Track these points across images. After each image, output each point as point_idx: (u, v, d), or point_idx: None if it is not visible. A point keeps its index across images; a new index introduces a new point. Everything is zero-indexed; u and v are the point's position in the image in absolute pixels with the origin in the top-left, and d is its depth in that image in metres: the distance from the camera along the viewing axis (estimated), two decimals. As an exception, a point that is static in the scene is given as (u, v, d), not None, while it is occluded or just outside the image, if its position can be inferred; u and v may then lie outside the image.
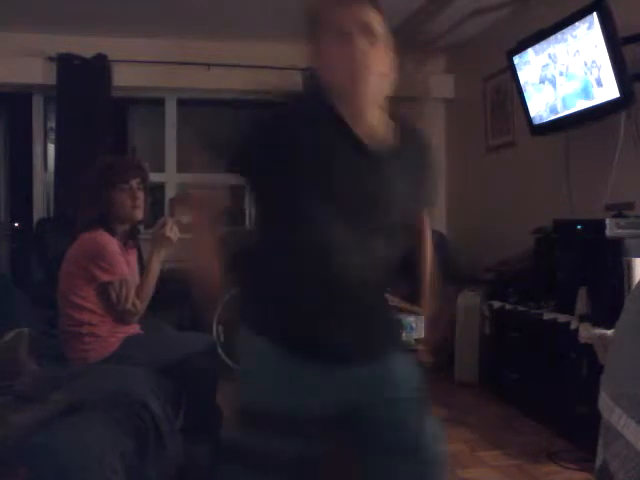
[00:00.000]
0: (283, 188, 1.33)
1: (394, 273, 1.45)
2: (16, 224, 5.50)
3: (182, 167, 5.04)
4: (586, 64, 3.06)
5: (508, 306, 3.53)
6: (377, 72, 1.31)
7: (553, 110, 3.41)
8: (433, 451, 1.39)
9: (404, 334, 2.38)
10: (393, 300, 2.72)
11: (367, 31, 1.29)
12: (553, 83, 3.36)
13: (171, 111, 4.95)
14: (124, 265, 2.47)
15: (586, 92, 3.11)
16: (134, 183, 2.54)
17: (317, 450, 1.33)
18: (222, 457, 1.38)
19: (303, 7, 1.36)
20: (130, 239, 2.62)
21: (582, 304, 2.88)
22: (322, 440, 1.34)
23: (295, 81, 4.67)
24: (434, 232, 5.50)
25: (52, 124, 4.84)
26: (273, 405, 1.31)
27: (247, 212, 5.16)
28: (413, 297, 1.58)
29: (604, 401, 0.92)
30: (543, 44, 3.36)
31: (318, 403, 1.33)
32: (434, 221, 1.60)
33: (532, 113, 3.58)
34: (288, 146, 1.32)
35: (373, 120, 1.35)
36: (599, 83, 3.00)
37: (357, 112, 1.34)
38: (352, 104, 1.33)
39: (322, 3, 1.35)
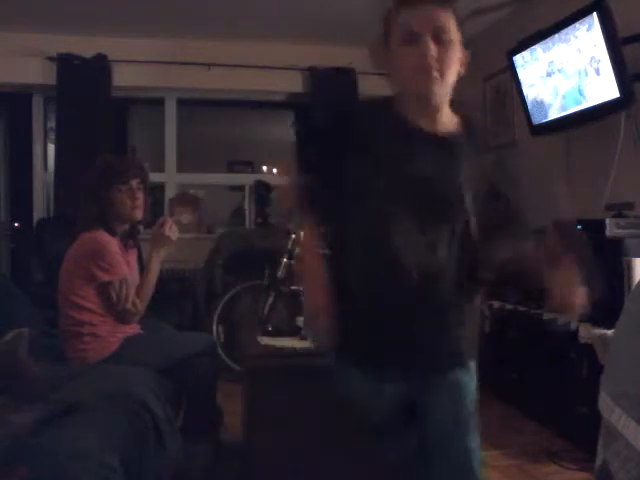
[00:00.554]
0: (354, 198, 1.34)
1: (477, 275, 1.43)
2: (16, 224, 5.50)
3: (182, 167, 5.04)
4: (586, 64, 3.05)
5: (508, 306, 3.53)
6: (449, 74, 1.32)
7: (553, 110, 3.41)
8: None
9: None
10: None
11: (439, 34, 1.29)
12: (553, 83, 3.36)
13: (171, 111, 4.95)
14: (124, 265, 2.47)
15: (585, 92, 3.11)
16: (134, 183, 2.54)
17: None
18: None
19: (379, 13, 1.38)
20: (130, 239, 2.62)
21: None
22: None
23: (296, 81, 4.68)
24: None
25: (52, 124, 4.84)
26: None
27: (247, 212, 5.17)
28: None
29: (604, 401, 0.92)
30: (543, 44, 3.36)
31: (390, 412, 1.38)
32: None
33: (532, 113, 3.58)
34: (347, 147, 1.34)
35: (445, 118, 1.37)
36: (598, 83, 3.00)
37: (430, 113, 1.35)
38: (425, 106, 1.34)
39: (394, 7, 1.35)
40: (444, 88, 1.32)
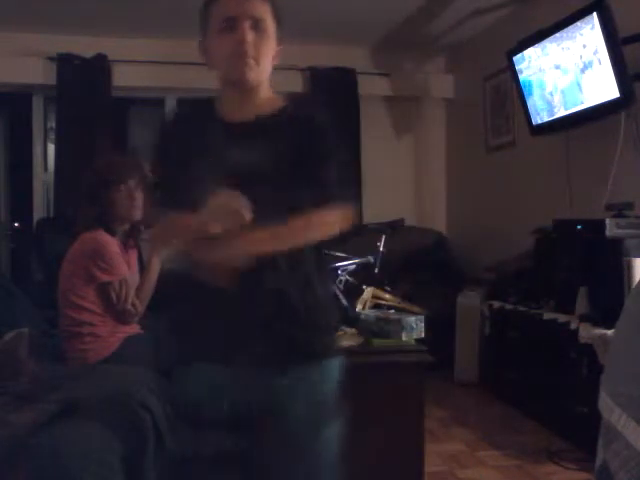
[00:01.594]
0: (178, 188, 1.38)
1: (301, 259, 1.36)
2: (16, 224, 5.50)
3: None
4: (586, 64, 3.06)
5: (508, 306, 3.53)
6: (264, 61, 1.36)
7: (552, 110, 3.41)
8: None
9: (404, 334, 2.38)
10: (392, 300, 2.72)
11: (256, 22, 1.34)
12: (552, 82, 3.36)
13: (171, 111, 4.94)
14: (124, 265, 2.47)
15: (585, 92, 3.11)
16: (132, 183, 2.54)
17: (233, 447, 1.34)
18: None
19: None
20: (130, 239, 2.62)
21: (582, 304, 2.88)
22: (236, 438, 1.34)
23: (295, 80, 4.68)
24: (434, 232, 5.49)
25: (52, 124, 4.84)
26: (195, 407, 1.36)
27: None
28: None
29: (604, 401, 0.92)
30: (543, 44, 3.36)
31: (227, 403, 1.34)
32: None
33: (532, 113, 3.58)
34: (177, 147, 1.40)
35: (262, 104, 1.39)
36: (597, 83, 3.00)
37: (246, 99, 1.39)
38: (240, 92, 1.39)
39: None
40: (259, 74, 1.36)
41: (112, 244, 2.46)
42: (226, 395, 1.34)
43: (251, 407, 1.34)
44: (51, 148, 4.88)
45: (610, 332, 2.53)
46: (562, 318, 2.98)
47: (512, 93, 4.01)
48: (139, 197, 2.55)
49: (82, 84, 4.46)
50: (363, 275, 2.97)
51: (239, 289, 1.28)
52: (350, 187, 1.45)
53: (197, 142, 1.39)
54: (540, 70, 3.44)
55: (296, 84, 4.71)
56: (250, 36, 1.33)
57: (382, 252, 3.40)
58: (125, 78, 4.60)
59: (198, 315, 1.38)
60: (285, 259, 1.33)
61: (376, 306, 2.71)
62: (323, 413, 1.37)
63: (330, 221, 1.34)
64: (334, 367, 1.39)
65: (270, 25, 1.37)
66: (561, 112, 3.35)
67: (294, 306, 1.34)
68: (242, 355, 1.32)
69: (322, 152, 1.38)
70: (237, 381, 1.33)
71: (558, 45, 3.24)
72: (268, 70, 1.39)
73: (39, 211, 4.81)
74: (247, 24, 1.33)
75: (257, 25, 1.34)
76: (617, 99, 2.93)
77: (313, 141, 1.36)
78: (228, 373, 1.34)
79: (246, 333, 1.33)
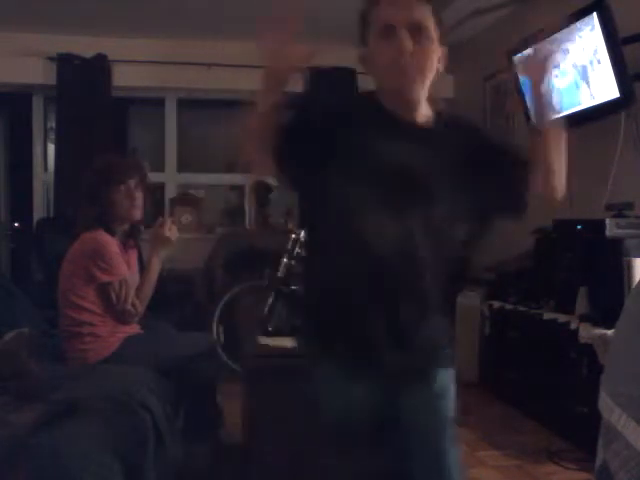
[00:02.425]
0: (327, 178, 1.30)
1: (455, 274, 1.37)
2: (16, 224, 5.50)
3: (182, 167, 5.04)
4: (586, 64, 3.06)
5: (508, 306, 3.53)
6: (426, 70, 1.31)
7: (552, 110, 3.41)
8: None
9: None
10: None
11: (416, 29, 1.27)
12: (552, 82, 3.36)
13: (171, 111, 4.95)
14: (124, 265, 2.47)
15: (585, 92, 3.11)
16: (132, 183, 2.54)
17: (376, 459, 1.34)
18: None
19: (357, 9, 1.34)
20: (130, 239, 2.62)
21: (582, 304, 2.88)
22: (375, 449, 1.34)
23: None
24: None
25: (52, 124, 4.84)
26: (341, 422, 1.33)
27: (247, 212, 5.17)
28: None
29: (604, 401, 0.92)
30: (543, 44, 3.35)
31: (367, 414, 1.32)
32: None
33: (532, 113, 3.58)
34: (330, 136, 1.30)
35: (423, 113, 1.36)
36: (597, 83, 3.00)
37: (408, 108, 1.34)
38: (403, 101, 1.33)
39: (371, 2, 1.33)
40: (421, 85, 1.31)
41: (112, 244, 2.46)
42: (370, 409, 1.32)
43: (394, 421, 1.33)
44: (51, 148, 4.89)
45: (610, 332, 2.53)
46: (562, 318, 2.98)
47: (512, 93, 4.01)
48: (139, 197, 2.55)
49: (82, 84, 4.46)
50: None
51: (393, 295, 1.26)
52: None
53: (360, 124, 1.32)
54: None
55: (296, 84, 4.70)
56: (409, 45, 1.26)
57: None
58: (125, 78, 4.60)
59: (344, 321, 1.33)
60: (438, 266, 1.30)
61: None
62: (449, 423, 1.37)
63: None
64: (452, 378, 1.39)
65: (432, 30, 1.30)
66: (561, 112, 3.35)
67: (437, 314, 1.33)
68: (390, 366, 1.30)
69: (495, 133, 1.36)
70: (380, 395, 1.31)
71: (557, 46, 3.24)
72: (431, 78, 1.33)
73: (39, 211, 4.81)
74: (407, 32, 1.26)
75: (418, 32, 1.27)
76: (617, 99, 2.93)
77: (483, 132, 1.36)
78: (375, 386, 1.31)
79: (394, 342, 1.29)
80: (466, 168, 1.30)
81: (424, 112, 1.36)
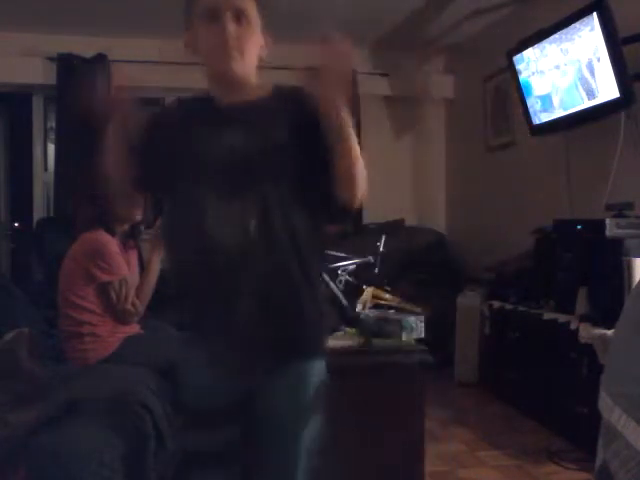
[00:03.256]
0: (167, 178, 1.38)
1: (314, 251, 1.36)
2: (16, 224, 5.50)
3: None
4: (586, 64, 3.06)
5: (508, 306, 3.53)
6: (248, 53, 1.35)
7: (552, 110, 3.41)
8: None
9: (404, 334, 2.38)
10: (392, 300, 2.72)
11: (238, 14, 1.33)
12: (552, 82, 3.36)
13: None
14: (124, 265, 2.47)
15: (585, 92, 3.11)
16: (133, 183, 2.54)
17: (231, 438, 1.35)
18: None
19: None
20: (130, 239, 2.62)
21: (582, 304, 2.88)
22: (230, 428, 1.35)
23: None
24: (434, 232, 5.50)
25: (52, 124, 4.84)
26: (193, 400, 1.38)
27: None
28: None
29: (604, 401, 0.92)
30: (543, 44, 3.36)
31: (221, 391, 1.34)
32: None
33: (532, 113, 3.58)
34: (163, 138, 1.39)
35: (250, 93, 1.39)
36: (597, 83, 3.00)
37: (233, 90, 1.38)
38: (227, 83, 1.38)
39: None
40: (245, 67, 1.36)
41: (112, 244, 2.46)
42: (221, 391, 1.34)
43: (241, 402, 1.34)
44: (51, 148, 4.88)
45: (610, 332, 2.53)
46: (562, 318, 2.98)
47: (512, 93, 4.01)
48: (139, 197, 2.55)
49: (82, 84, 4.46)
50: (363, 275, 2.97)
51: (234, 276, 1.28)
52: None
53: (186, 125, 1.38)
54: (539, 71, 3.44)
55: (296, 84, 4.70)
56: (232, 28, 1.32)
57: (382, 252, 3.40)
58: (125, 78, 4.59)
59: (198, 310, 1.38)
60: (286, 242, 1.30)
61: (376, 306, 2.71)
62: (304, 412, 1.36)
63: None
64: (320, 366, 1.38)
65: (254, 17, 1.36)
66: (561, 112, 3.35)
67: (290, 298, 1.33)
68: (236, 350, 1.32)
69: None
70: (230, 376, 1.33)
71: (557, 46, 3.24)
72: (254, 62, 1.38)
73: (39, 211, 4.81)
74: (229, 15, 1.32)
75: (240, 16, 1.33)
76: (617, 99, 2.93)
77: (313, 109, 1.31)
78: (224, 367, 1.33)
79: (239, 326, 1.31)
80: (291, 139, 1.32)
81: (251, 93, 1.39)
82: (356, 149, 1.32)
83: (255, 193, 1.30)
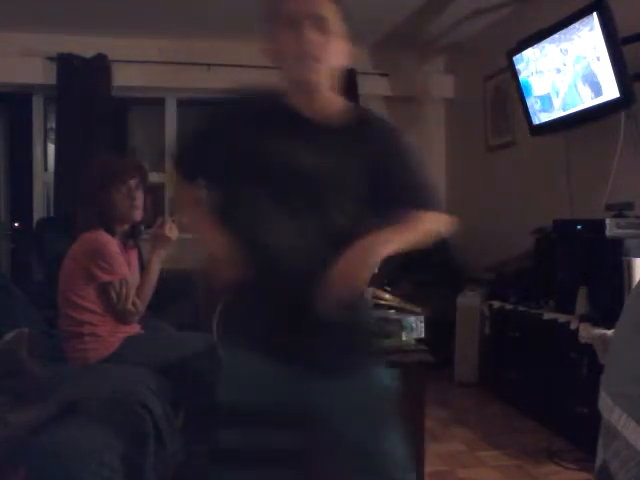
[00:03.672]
0: (228, 182, 1.37)
1: None
2: (16, 224, 5.50)
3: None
4: (586, 64, 3.06)
5: (508, 306, 3.53)
6: (328, 62, 1.32)
7: (552, 110, 3.41)
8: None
9: (404, 334, 2.38)
10: (392, 300, 2.72)
11: (319, 22, 1.29)
12: (552, 82, 3.36)
13: (171, 111, 4.95)
14: (124, 265, 2.47)
15: (585, 92, 3.11)
16: (132, 183, 2.53)
17: (294, 446, 1.35)
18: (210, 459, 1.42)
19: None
20: (131, 239, 2.62)
21: (582, 304, 2.88)
22: (295, 438, 1.35)
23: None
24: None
25: (52, 124, 4.84)
26: (249, 404, 1.35)
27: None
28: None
29: (604, 401, 0.92)
30: (543, 44, 3.36)
31: (284, 402, 1.34)
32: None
33: (532, 113, 3.58)
34: (231, 141, 1.35)
35: (328, 106, 1.37)
36: (597, 83, 3.00)
37: (309, 99, 1.35)
38: (304, 92, 1.35)
39: None
40: (323, 76, 1.32)
41: (112, 244, 2.46)
42: (286, 394, 1.34)
43: (302, 407, 1.34)
44: (51, 148, 4.88)
45: (610, 332, 2.53)
46: (562, 318, 2.98)
47: (512, 93, 4.01)
48: (139, 197, 2.55)
49: (82, 84, 4.46)
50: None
51: (304, 287, 1.25)
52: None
53: (264, 129, 1.34)
54: (539, 71, 3.44)
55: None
56: (312, 36, 1.28)
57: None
58: (125, 78, 4.60)
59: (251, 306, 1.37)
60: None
61: (376, 306, 2.71)
62: (375, 415, 1.37)
63: (435, 221, 1.37)
64: (384, 373, 1.40)
65: (336, 24, 1.32)
66: (561, 112, 3.35)
67: (354, 308, 1.33)
68: (298, 353, 1.31)
69: (415, 160, 1.38)
70: (287, 380, 1.33)
71: (557, 46, 3.24)
72: (334, 71, 1.35)
73: (39, 211, 4.81)
74: (309, 23, 1.28)
75: (321, 24, 1.29)
76: (617, 99, 2.93)
77: (402, 150, 1.34)
78: (279, 370, 1.33)
79: (306, 331, 1.30)
80: (365, 169, 1.32)
81: (328, 105, 1.37)
82: (424, 232, 1.36)
83: (327, 215, 1.29)
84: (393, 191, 1.35)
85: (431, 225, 1.38)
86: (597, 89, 3.03)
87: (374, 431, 1.36)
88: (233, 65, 4.50)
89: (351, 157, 1.32)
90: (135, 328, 2.56)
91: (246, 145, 1.33)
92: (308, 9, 1.29)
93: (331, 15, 1.31)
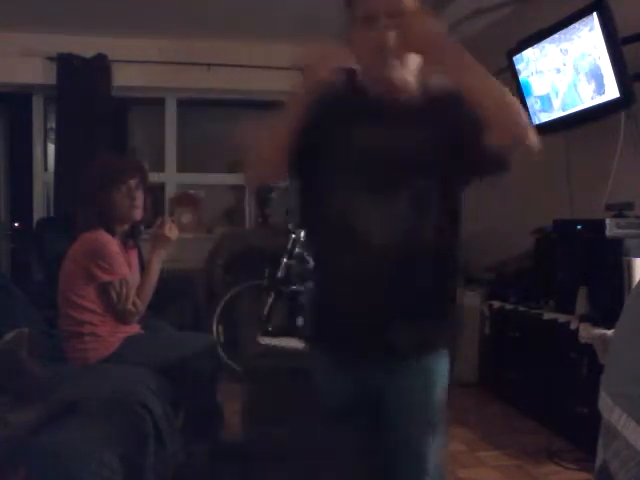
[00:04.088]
0: (314, 171, 1.35)
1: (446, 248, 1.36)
2: (16, 224, 5.50)
3: (182, 167, 5.04)
4: (586, 64, 3.05)
5: (508, 306, 3.53)
6: (406, 57, 1.31)
7: (552, 110, 3.41)
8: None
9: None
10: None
11: (395, 14, 1.27)
12: (552, 82, 3.36)
13: (171, 111, 4.95)
14: (124, 265, 2.47)
15: (585, 92, 3.11)
16: (132, 183, 2.54)
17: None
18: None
19: None
20: (131, 239, 2.62)
21: (582, 304, 2.88)
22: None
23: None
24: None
25: (52, 124, 4.84)
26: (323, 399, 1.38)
27: (247, 212, 5.17)
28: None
29: (604, 401, 0.92)
30: (543, 44, 3.36)
31: (351, 390, 1.36)
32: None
33: (531, 113, 3.58)
34: (320, 135, 1.33)
35: (405, 91, 1.35)
36: (597, 83, 3.00)
37: (386, 91, 1.34)
38: (384, 86, 1.34)
39: None
40: (404, 72, 1.32)
41: (112, 244, 2.46)
42: (351, 389, 1.36)
43: (369, 401, 1.35)
44: (51, 148, 4.88)
45: (610, 332, 2.53)
46: (562, 318, 2.98)
47: (512, 93, 4.00)
48: (139, 197, 2.55)
49: (82, 84, 4.46)
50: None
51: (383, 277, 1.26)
52: None
53: (344, 116, 1.34)
54: (539, 71, 3.43)
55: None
56: (391, 34, 1.26)
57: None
58: (125, 78, 4.60)
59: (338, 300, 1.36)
60: (432, 243, 1.31)
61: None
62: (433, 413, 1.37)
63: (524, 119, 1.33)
64: (446, 368, 1.39)
65: (412, 11, 1.30)
66: (560, 112, 3.35)
67: (424, 297, 1.33)
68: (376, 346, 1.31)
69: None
70: (358, 373, 1.34)
71: (557, 46, 3.24)
72: (416, 64, 1.34)
73: (39, 211, 4.81)
74: (388, 20, 1.26)
75: (397, 17, 1.27)
76: (617, 99, 2.92)
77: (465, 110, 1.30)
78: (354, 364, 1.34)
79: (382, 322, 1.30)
80: (445, 141, 1.30)
81: (407, 87, 1.36)
82: (497, 85, 1.35)
83: (408, 194, 1.29)
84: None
85: (520, 116, 1.34)
86: (601, 85, 3.02)
87: (424, 434, 1.37)
88: (233, 65, 4.51)
89: (429, 132, 1.29)
90: (135, 328, 2.56)
91: (328, 133, 1.33)
92: (386, 7, 1.28)
93: (408, 7, 1.29)
